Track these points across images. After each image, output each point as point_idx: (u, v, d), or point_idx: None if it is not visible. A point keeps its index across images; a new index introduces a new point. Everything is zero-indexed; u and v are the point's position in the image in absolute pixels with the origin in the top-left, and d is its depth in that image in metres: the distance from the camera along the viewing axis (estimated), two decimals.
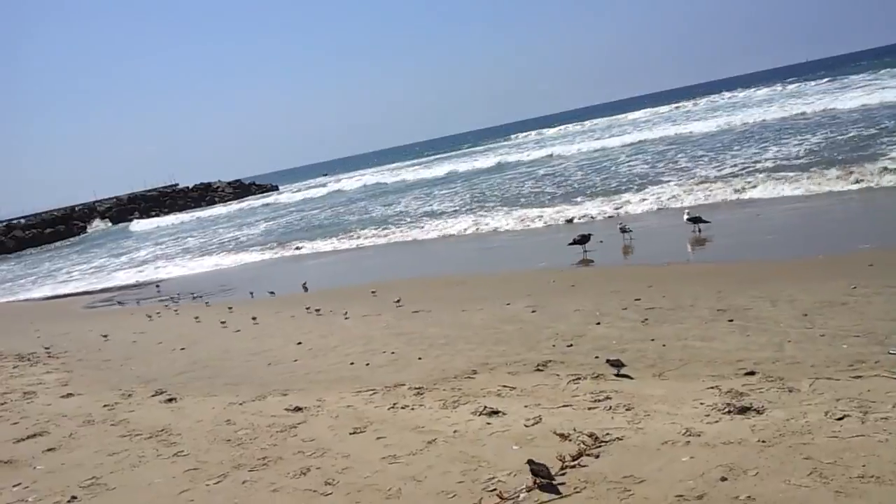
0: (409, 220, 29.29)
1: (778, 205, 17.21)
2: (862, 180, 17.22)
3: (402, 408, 7.27)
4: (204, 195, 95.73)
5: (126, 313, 19.32)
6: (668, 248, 14.79)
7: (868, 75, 61.96)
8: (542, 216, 22.21)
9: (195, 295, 20.19)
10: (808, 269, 10.79)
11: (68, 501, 6.01)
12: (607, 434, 5.66)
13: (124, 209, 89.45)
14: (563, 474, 5.11)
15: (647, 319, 9.30)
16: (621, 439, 5.55)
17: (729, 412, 5.75)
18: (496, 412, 6.61)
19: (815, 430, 5.16)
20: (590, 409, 6.40)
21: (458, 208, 29.59)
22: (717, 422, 5.63)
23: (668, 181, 23.93)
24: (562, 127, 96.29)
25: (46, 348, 14.43)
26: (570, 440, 5.70)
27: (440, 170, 56.95)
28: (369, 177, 70.85)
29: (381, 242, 25.29)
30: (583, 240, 15.85)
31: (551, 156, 46.74)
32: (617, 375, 7.44)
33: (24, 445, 7.87)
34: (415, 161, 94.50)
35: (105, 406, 9.18)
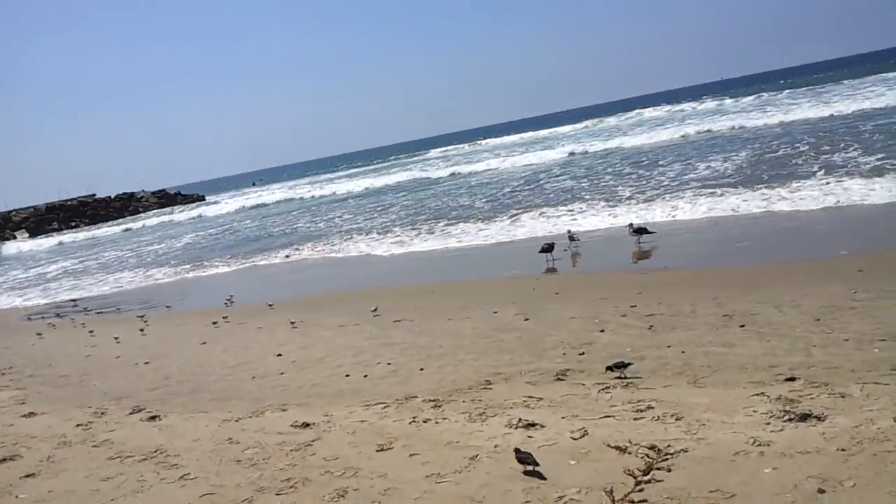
0: (343, 234, 27.70)
1: (729, 219, 16.67)
2: (788, 198, 17.09)
3: (424, 422, 6.82)
4: (127, 205, 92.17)
5: (66, 327, 18.11)
6: (625, 257, 14.64)
7: (774, 94, 64.78)
8: (485, 230, 21.57)
9: (126, 308, 19.16)
10: (796, 275, 10.78)
11: None
12: (669, 446, 5.36)
13: (42, 220, 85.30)
14: (641, 490, 4.78)
15: (652, 326, 9.09)
16: (686, 451, 5.26)
17: (790, 419, 5.54)
18: (533, 424, 6.25)
19: (893, 436, 4.97)
20: (635, 419, 6.09)
21: (390, 222, 28.26)
22: (780, 430, 5.40)
23: (612, 193, 23.86)
24: (485, 141, 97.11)
25: None
26: (629, 453, 5.38)
27: (365, 182, 55.78)
28: (299, 189, 68.84)
29: (317, 257, 23.60)
30: (549, 248, 15.71)
31: (479, 171, 46.34)
32: (622, 377, 7.31)
33: None
34: (340, 174, 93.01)
35: (78, 426, 8.40)
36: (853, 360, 6.80)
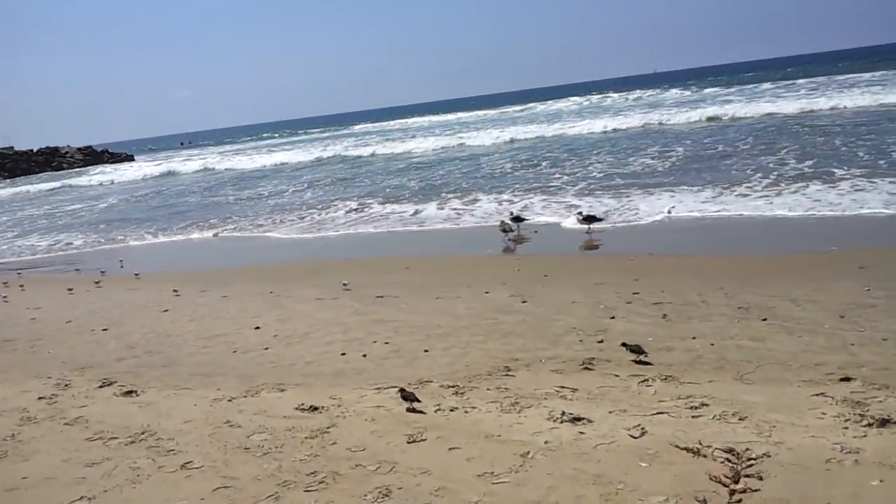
0: (272, 208, 26.52)
1: (683, 215, 15.90)
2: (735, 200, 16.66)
3: (451, 410, 6.19)
4: (50, 160, 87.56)
5: None
6: (576, 244, 14.55)
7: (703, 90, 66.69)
8: (423, 210, 21.03)
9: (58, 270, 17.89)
10: (798, 269, 10.53)
11: None
12: (748, 450, 4.89)
13: None
14: (739, 501, 4.27)
15: (665, 315, 8.68)
16: (769, 456, 4.79)
17: (869, 424, 5.15)
18: (580, 419, 5.70)
19: None
20: (693, 417, 5.61)
21: (325, 198, 27.28)
22: (863, 436, 5.00)
23: (548, 181, 23.55)
24: (413, 120, 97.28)
25: None
26: (704, 456, 4.89)
27: (292, 155, 53.95)
28: (226, 155, 66.10)
29: (242, 232, 22.18)
30: (509, 228, 15.45)
31: (405, 150, 45.68)
32: (637, 362, 7.06)
33: None
34: (267, 142, 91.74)
35: (41, 398, 7.42)
36: None
